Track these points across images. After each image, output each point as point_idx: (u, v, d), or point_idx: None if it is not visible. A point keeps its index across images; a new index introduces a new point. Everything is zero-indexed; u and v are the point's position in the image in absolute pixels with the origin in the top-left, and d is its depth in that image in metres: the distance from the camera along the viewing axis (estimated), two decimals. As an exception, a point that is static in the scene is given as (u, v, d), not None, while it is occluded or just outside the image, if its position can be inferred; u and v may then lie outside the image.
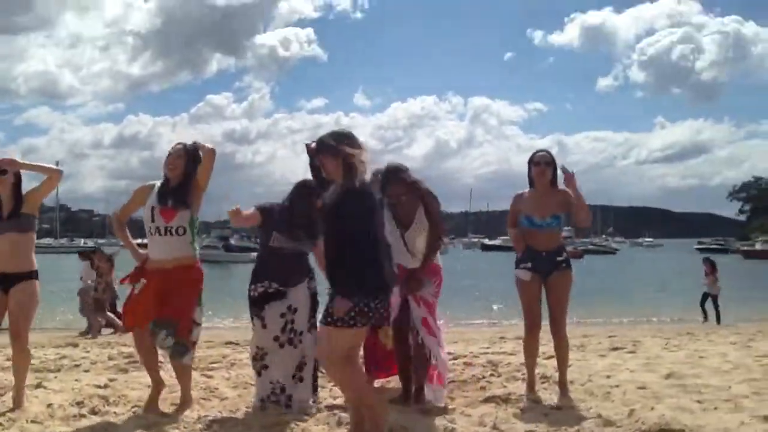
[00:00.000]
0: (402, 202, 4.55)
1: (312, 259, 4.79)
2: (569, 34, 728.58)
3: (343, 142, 3.56)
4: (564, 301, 4.77)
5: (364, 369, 5.54)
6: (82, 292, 12.10)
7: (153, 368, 4.59)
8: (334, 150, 3.56)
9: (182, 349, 4.45)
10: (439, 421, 4.09)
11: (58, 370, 6.30)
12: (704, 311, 13.98)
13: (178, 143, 4.60)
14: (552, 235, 4.78)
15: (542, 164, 4.78)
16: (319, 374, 4.76)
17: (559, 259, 4.75)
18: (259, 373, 4.64)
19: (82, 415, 4.48)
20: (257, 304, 4.60)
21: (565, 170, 4.68)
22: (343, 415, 4.18)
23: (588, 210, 4.77)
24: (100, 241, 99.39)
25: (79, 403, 4.73)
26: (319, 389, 4.83)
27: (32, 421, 4.26)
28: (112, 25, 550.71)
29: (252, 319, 4.67)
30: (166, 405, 4.64)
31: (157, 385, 4.60)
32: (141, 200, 4.59)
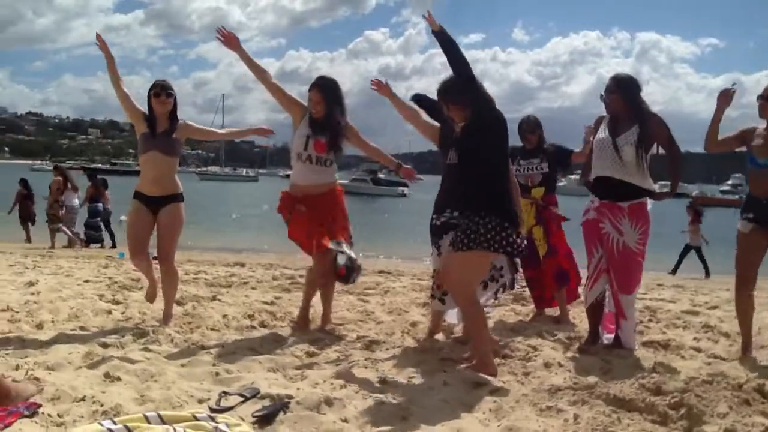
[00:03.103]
0: (618, 113, 4.32)
1: None
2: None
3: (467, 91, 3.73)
4: None
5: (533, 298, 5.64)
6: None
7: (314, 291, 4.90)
8: (460, 101, 3.78)
9: (351, 267, 4.63)
10: (593, 361, 4.04)
11: (229, 286, 6.85)
12: (678, 263, 12.60)
13: (317, 83, 4.70)
14: None
15: (760, 96, 4.24)
16: None
17: None
18: (432, 297, 4.64)
19: (253, 327, 4.89)
20: (437, 233, 4.48)
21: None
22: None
23: None
24: (261, 170, 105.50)
25: (250, 316, 5.17)
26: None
27: (211, 329, 4.72)
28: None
29: (431, 246, 4.60)
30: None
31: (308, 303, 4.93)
32: (290, 107, 4.80)
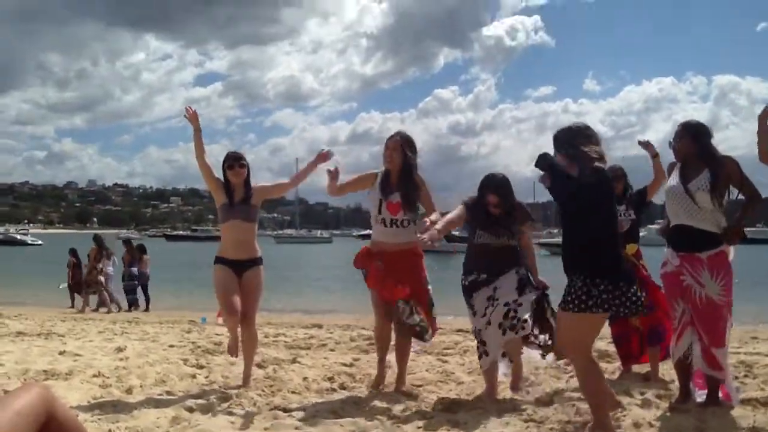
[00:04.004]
0: (688, 159, 4.26)
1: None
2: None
3: (577, 140, 3.60)
4: None
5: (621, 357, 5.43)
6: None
7: (386, 347, 4.91)
8: (566, 149, 3.63)
9: (425, 326, 4.68)
10: (686, 421, 3.85)
11: (308, 348, 6.92)
12: None
13: (396, 134, 4.80)
14: None
15: None
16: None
17: None
18: (480, 356, 4.68)
19: (333, 389, 4.91)
20: (467, 292, 4.69)
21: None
22: (582, 405, 4.11)
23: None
24: (335, 231, 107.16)
25: (330, 379, 5.19)
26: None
27: (292, 392, 4.76)
28: (348, 29, 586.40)
29: (467, 306, 4.75)
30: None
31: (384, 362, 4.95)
32: (362, 184, 4.88)
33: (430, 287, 4.84)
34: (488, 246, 4.64)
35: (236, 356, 5.12)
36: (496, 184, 4.63)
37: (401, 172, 4.74)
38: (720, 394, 4.19)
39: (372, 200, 4.80)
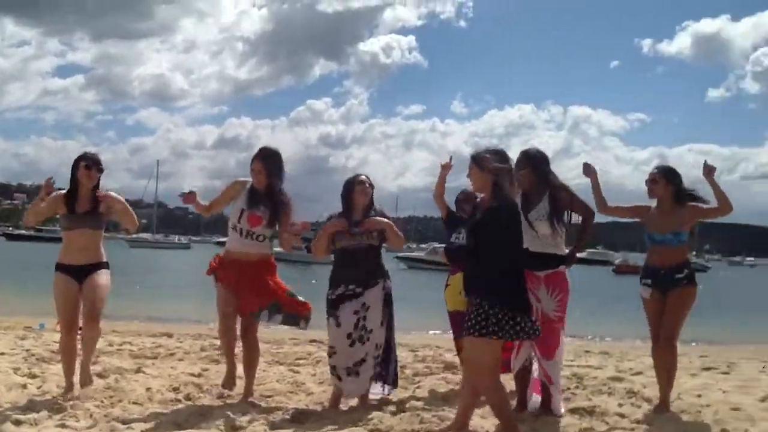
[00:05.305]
0: (529, 188, 4.52)
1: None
2: (680, 43, 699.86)
3: (494, 158, 3.77)
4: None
5: None
6: None
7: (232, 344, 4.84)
8: (482, 163, 3.78)
9: (295, 318, 4.72)
10: (521, 428, 4.07)
11: (155, 357, 6.65)
12: None
13: (259, 153, 4.77)
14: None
15: (648, 181, 4.73)
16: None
17: (679, 276, 4.61)
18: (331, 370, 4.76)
19: (178, 400, 4.75)
20: (334, 305, 4.69)
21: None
22: (426, 415, 4.25)
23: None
24: (194, 238, 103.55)
25: (175, 389, 5.02)
26: (394, 389, 4.91)
27: (134, 402, 4.55)
28: (225, 31, 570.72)
29: (327, 319, 4.74)
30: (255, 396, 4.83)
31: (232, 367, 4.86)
32: (231, 196, 4.81)
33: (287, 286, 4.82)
34: (349, 250, 4.70)
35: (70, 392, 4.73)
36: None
37: (267, 191, 4.72)
38: (551, 405, 4.49)
39: (235, 208, 4.75)
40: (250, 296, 4.64)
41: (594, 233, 4.87)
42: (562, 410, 4.50)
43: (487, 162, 3.75)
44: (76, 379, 4.73)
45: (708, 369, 7.02)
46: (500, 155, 3.82)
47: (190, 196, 4.77)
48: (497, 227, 3.69)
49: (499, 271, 3.67)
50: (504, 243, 3.71)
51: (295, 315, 4.75)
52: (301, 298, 4.79)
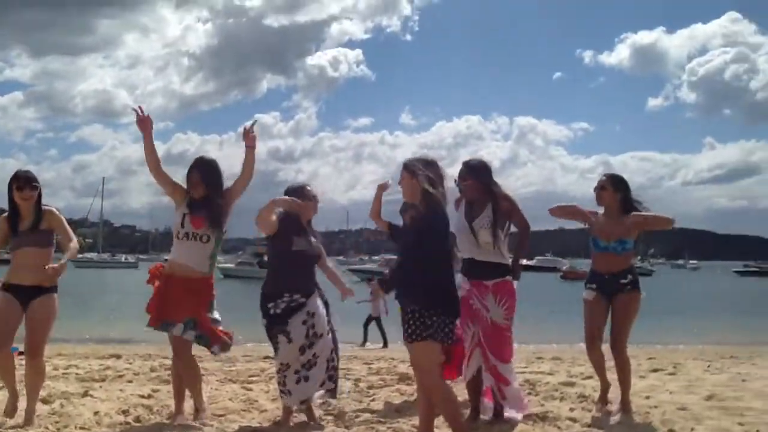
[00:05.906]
0: (473, 197, 4.61)
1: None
2: (620, 54, 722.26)
3: (426, 168, 3.77)
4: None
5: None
6: None
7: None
8: (413, 171, 3.78)
9: (205, 339, 4.54)
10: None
11: (103, 380, 6.47)
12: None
13: (196, 161, 4.72)
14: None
15: (596, 188, 4.90)
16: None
17: (623, 281, 4.78)
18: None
19: (127, 423, 4.62)
20: (281, 321, 4.52)
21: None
22: (381, 428, 4.24)
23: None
24: (142, 256, 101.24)
25: (125, 412, 4.88)
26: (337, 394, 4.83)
27: (81, 428, 4.41)
28: (170, 46, 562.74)
29: (276, 337, 4.54)
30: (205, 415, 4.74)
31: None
32: (173, 189, 4.71)
33: (216, 312, 4.69)
34: (303, 254, 4.64)
35: (12, 417, 4.57)
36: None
37: (206, 202, 4.62)
38: (505, 413, 4.55)
39: (177, 215, 4.66)
40: (173, 306, 4.48)
41: (529, 247, 4.98)
42: (521, 414, 4.57)
43: (417, 170, 3.76)
44: (22, 404, 4.56)
45: (655, 370, 7.21)
46: (431, 164, 3.84)
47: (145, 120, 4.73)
48: (429, 235, 3.72)
49: (432, 279, 3.69)
50: (434, 251, 3.73)
51: (209, 337, 4.55)
52: (221, 328, 4.63)
